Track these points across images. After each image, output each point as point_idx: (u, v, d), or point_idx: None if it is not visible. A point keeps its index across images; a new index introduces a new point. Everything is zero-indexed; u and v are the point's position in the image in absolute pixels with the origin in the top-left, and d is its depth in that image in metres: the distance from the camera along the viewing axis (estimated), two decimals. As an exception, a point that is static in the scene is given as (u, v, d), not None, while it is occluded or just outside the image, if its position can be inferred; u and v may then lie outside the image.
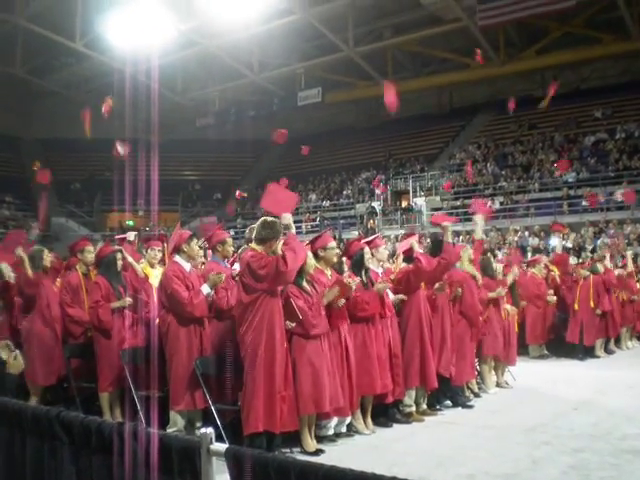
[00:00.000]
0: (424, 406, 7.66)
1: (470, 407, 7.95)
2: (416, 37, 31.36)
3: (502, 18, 27.23)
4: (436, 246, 7.92)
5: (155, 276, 7.16)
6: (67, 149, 38.72)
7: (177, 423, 6.29)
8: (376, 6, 30.47)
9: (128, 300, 7.08)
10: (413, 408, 7.41)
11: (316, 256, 6.65)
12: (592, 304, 12.46)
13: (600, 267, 13.17)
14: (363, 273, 6.98)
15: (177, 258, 6.59)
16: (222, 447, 2.55)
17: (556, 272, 13.66)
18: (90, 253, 8.05)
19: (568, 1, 25.58)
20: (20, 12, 30.04)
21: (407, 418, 7.27)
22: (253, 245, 5.90)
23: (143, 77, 32.89)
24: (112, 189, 33.36)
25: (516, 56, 31.33)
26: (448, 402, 8.03)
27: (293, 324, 5.93)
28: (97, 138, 36.46)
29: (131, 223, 33.08)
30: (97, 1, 29.44)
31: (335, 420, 6.36)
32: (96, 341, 7.13)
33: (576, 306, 12.50)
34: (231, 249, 7.05)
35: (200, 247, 7.21)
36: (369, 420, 6.84)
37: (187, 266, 6.56)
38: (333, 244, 6.85)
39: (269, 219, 5.96)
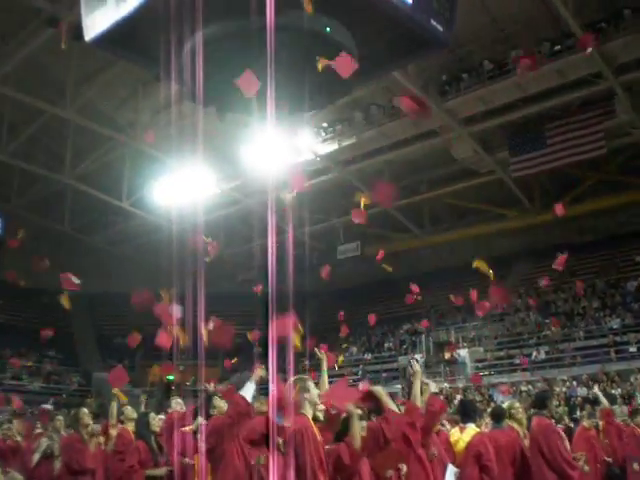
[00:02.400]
0: None
1: None
2: (451, 190, 32.05)
3: (534, 169, 27.77)
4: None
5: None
6: (112, 304, 39.41)
7: None
8: (411, 162, 31.42)
9: (163, 470, 6.86)
10: None
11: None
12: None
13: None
14: None
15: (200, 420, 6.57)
16: None
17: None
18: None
19: (599, 149, 26.12)
20: (69, 172, 31.65)
21: None
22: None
23: (187, 234, 33.83)
24: (154, 343, 33.65)
25: (551, 205, 31.53)
26: None
27: None
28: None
29: (171, 378, 32.92)
30: (143, 162, 31.01)
31: None
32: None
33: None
34: None
35: None
36: None
37: None
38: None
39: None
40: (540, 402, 8.03)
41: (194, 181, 30.05)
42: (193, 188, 30.27)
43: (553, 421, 7.50)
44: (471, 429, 7.22)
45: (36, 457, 8.02)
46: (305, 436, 5.39)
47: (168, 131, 28.06)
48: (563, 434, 7.54)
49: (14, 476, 4.42)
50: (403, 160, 30.64)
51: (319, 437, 5.54)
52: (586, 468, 11.65)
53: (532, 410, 8.43)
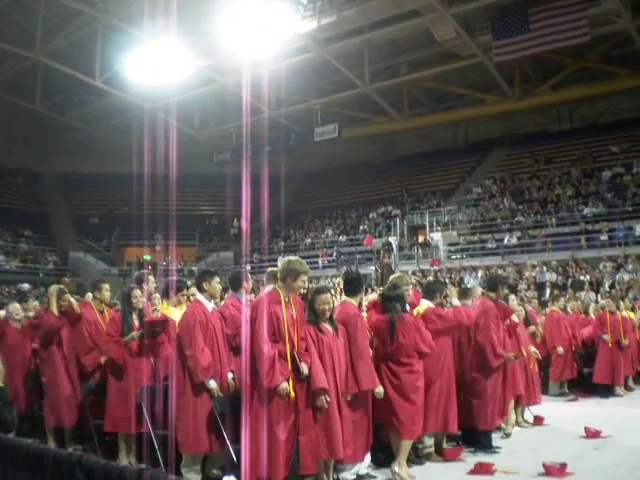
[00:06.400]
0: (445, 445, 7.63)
1: (498, 452, 7.65)
2: (432, 73, 31.55)
3: (517, 54, 27.34)
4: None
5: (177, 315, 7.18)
6: (86, 184, 39.19)
7: (190, 463, 6.15)
8: (391, 43, 30.76)
9: (136, 334, 7.02)
10: (432, 449, 7.33)
11: (352, 292, 6.74)
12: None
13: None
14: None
15: (199, 297, 6.55)
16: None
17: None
18: (107, 291, 8.31)
19: (583, 36, 25.68)
20: (41, 49, 30.58)
21: (425, 459, 7.21)
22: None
23: (162, 113, 33.35)
24: (130, 224, 33.74)
25: (531, 91, 31.43)
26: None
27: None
28: (115, 173, 37.02)
29: (148, 258, 33.23)
30: (116, 39, 29.99)
31: (357, 466, 6.35)
32: (108, 378, 7.19)
33: (625, 341, 12.49)
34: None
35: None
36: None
37: (209, 306, 6.49)
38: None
39: (292, 258, 6.08)
40: (491, 284, 8.30)
41: (168, 58, 29.25)
42: (167, 65, 29.51)
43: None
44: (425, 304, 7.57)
45: None
46: (260, 309, 5.70)
47: (141, 5, 27.02)
48: (499, 319, 7.88)
49: None
50: (383, 41, 29.93)
51: (285, 312, 5.81)
52: (560, 350, 12.21)
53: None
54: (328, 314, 6.09)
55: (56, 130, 39.19)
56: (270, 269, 7.17)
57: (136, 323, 7.24)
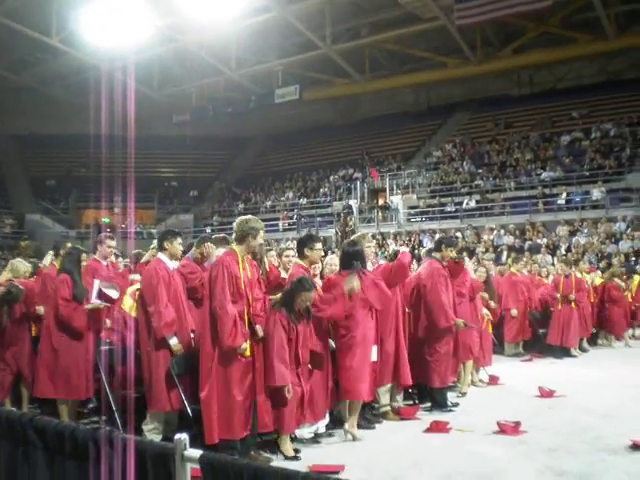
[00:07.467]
0: (400, 403, 7.69)
1: (453, 411, 7.77)
2: (394, 35, 31.38)
3: (479, 18, 27.30)
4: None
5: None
6: (42, 145, 38.38)
7: (153, 421, 6.17)
8: (354, 4, 30.45)
9: (100, 303, 6.87)
10: (388, 407, 7.42)
11: (301, 254, 6.73)
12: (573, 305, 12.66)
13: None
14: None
15: (160, 255, 6.52)
16: (196, 453, 2.53)
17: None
18: None
19: (545, 1, 25.71)
20: (-4, 8, 29.66)
21: (382, 418, 7.29)
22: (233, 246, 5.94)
23: (119, 73, 32.72)
24: (88, 186, 33.21)
25: (493, 55, 31.49)
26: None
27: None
28: (72, 134, 36.28)
29: (107, 220, 32.83)
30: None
31: (316, 425, 6.39)
32: (60, 343, 6.71)
33: (571, 296, 12.64)
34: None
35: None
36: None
37: (170, 264, 6.48)
38: (320, 245, 6.90)
39: (248, 217, 6.03)
40: (436, 245, 8.37)
41: (126, 16, 28.60)
42: (125, 24, 28.87)
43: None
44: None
45: None
46: (220, 269, 5.65)
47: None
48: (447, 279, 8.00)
49: None
50: (346, 2, 29.62)
51: (242, 273, 5.76)
52: (514, 312, 12.45)
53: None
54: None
55: (11, 90, 38.19)
56: (214, 236, 7.30)
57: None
